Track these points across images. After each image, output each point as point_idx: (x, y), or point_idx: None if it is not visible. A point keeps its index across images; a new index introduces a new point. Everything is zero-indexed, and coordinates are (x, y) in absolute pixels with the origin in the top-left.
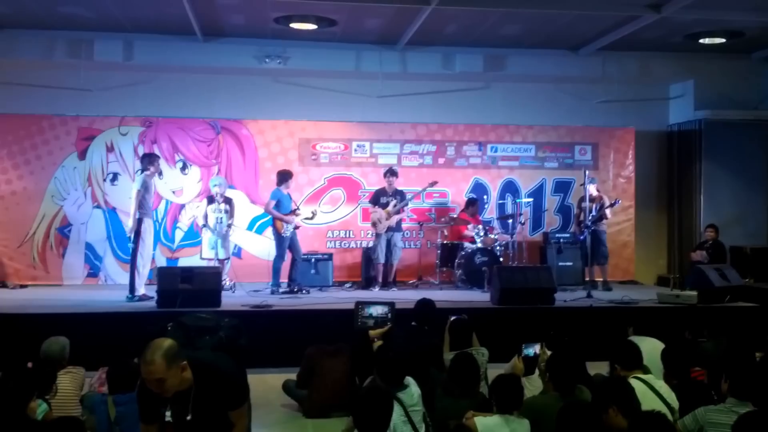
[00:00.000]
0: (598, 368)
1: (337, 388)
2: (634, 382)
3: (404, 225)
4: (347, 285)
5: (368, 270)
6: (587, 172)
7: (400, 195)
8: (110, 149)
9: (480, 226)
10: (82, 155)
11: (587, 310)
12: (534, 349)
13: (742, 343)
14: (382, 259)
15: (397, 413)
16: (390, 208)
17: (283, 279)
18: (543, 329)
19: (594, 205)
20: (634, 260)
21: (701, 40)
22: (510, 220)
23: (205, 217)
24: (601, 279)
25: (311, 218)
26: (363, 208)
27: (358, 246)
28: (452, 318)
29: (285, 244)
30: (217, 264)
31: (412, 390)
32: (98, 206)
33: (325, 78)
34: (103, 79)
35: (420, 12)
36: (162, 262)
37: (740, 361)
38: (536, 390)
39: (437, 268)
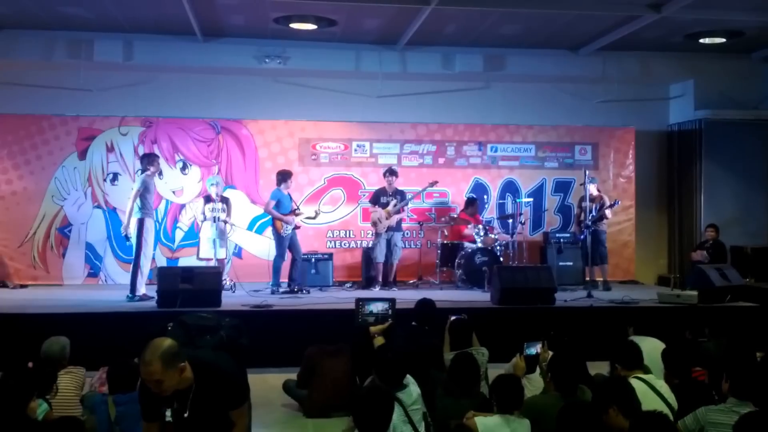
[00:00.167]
0: (598, 368)
1: (337, 388)
2: (634, 382)
3: (404, 225)
4: (347, 285)
5: (368, 270)
6: (587, 172)
7: (400, 195)
8: (110, 149)
9: (480, 226)
10: (83, 155)
11: (587, 310)
12: (536, 348)
13: (743, 343)
14: (382, 259)
15: (397, 413)
16: (390, 207)
17: (284, 279)
18: (543, 329)
19: (594, 205)
20: (634, 260)
21: (701, 40)
22: (510, 220)
23: (203, 216)
24: (601, 279)
25: (314, 218)
26: (363, 207)
27: (358, 246)
28: (452, 318)
29: (285, 243)
30: (215, 264)
31: (411, 389)
32: (98, 206)
33: (325, 78)
34: (103, 79)
35: (420, 12)
36: (162, 262)
37: (741, 361)
38: (536, 389)
39: (437, 267)
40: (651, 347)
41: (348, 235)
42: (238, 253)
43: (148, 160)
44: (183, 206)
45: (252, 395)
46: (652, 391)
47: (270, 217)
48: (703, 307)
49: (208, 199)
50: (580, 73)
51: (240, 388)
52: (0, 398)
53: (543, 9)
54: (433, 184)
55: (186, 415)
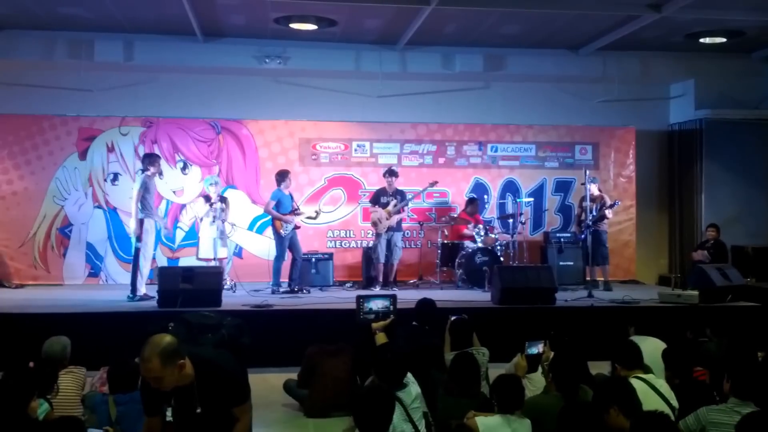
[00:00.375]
0: (599, 368)
1: (337, 387)
2: (634, 381)
3: (405, 225)
4: (348, 285)
5: (369, 270)
6: (588, 172)
7: (400, 195)
8: (111, 149)
9: (480, 226)
10: (83, 155)
11: (588, 309)
12: (538, 348)
13: (744, 343)
14: (382, 259)
15: (398, 412)
16: (390, 207)
17: (284, 279)
18: (544, 329)
19: (595, 205)
20: (635, 260)
21: (701, 40)
22: (510, 220)
23: (209, 216)
24: (602, 279)
25: (315, 218)
26: (363, 207)
27: (359, 246)
28: (453, 318)
29: (285, 243)
30: (215, 263)
31: (412, 388)
32: (99, 206)
33: (325, 78)
34: (103, 80)
35: (420, 12)
36: (163, 262)
37: (742, 361)
38: (537, 389)
39: (438, 267)
40: (652, 347)
41: (348, 235)
42: (239, 252)
43: (149, 160)
44: (183, 206)
45: (252, 395)
46: (652, 391)
47: (270, 217)
48: (704, 306)
49: (208, 198)
50: (580, 72)
51: (241, 385)
52: (1, 398)
53: (543, 9)
54: (434, 184)
55: (198, 411)
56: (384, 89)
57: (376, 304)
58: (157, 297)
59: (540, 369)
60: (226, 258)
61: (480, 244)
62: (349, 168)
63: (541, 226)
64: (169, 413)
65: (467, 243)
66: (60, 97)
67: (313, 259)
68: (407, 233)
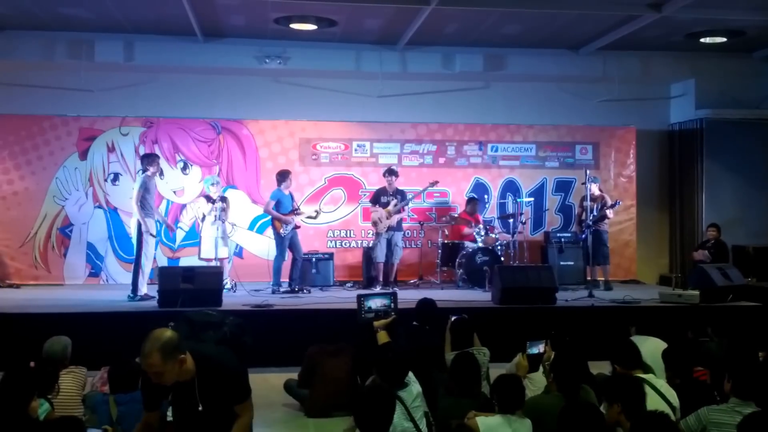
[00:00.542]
0: (599, 368)
1: (338, 387)
2: None
3: (405, 225)
4: (348, 284)
5: (369, 269)
6: (588, 172)
7: (400, 194)
8: (111, 149)
9: (481, 225)
10: (84, 155)
11: (589, 309)
12: (539, 347)
13: (745, 343)
14: (382, 259)
15: (399, 411)
16: (390, 207)
17: (284, 279)
18: (544, 329)
19: (596, 205)
20: (635, 260)
21: (702, 40)
22: (511, 220)
23: (203, 216)
24: (602, 279)
25: (315, 217)
26: (363, 207)
27: (359, 246)
28: (453, 318)
29: (285, 243)
30: (216, 264)
31: (412, 388)
32: (99, 206)
33: (325, 78)
34: (103, 80)
35: (420, 12)
36: (163, 261)
37: (743, 361)
38: (538, 389)
39: (438, 267)
40: (653, 347)
41: (348, 235)
42: (239, 252)
43: (149, 160)
44: (184, 206)
45: (253, 395)
46: (653, 391)
47: (270, 216)
48: (704, 306)
49: (209, 198)
50: (580, 72)
51: (242, 382)
52: (1, 398)
53: (543, 9)
54: (434, 183)
55: (200, 408)
56: (384, 89)
57: (377, 303)
58: (157, 297)
59: (541, 369)
60: (227, 258)
61: (480, 244)
62: (350, 168)
63: (542, 225)
64: (169, 413)
65: (468, 243)
66: (60, 98)
67: (314, 259)
68: (407, 233)
